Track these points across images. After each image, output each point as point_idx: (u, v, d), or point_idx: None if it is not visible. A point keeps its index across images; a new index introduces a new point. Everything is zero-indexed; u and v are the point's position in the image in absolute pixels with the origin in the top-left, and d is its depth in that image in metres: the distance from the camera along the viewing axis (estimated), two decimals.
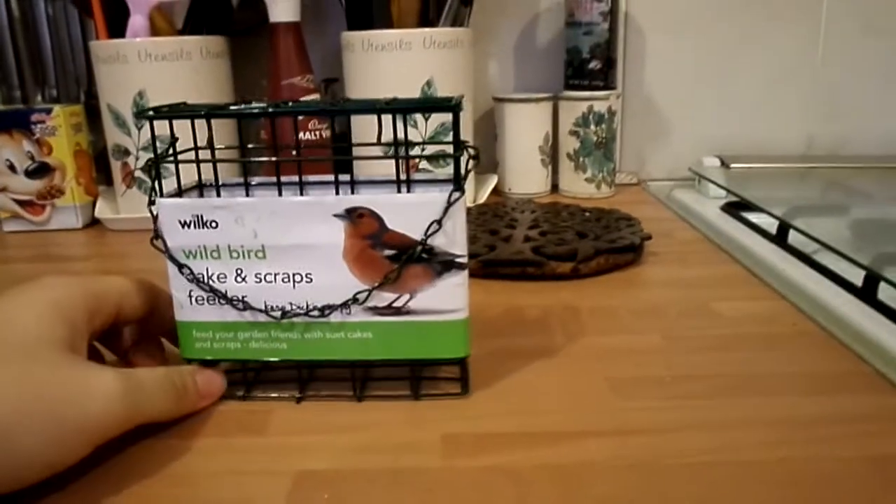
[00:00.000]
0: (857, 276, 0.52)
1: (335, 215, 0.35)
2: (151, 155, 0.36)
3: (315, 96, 0.75)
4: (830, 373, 0.41)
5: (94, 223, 0.80)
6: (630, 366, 0.42)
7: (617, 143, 0.88)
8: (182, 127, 0.36)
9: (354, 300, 0.35)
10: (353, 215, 0.35)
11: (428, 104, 0.42)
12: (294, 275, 0.36)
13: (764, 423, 0.35)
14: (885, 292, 0.49)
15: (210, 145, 0.36)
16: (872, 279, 0.50)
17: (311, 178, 0.37)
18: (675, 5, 0.89)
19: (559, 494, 0.30)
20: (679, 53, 0.90)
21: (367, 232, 0.35)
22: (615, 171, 0.86)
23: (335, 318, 0.36)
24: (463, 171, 0.35)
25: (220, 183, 0.39)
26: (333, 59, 0.84)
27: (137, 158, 0.75)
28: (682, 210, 0.80)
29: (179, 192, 0.38)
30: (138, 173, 0.75)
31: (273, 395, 0.39)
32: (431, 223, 0.34)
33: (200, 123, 0.36)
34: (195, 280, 0.37)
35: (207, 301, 0.37)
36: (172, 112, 0.36)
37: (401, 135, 0.35)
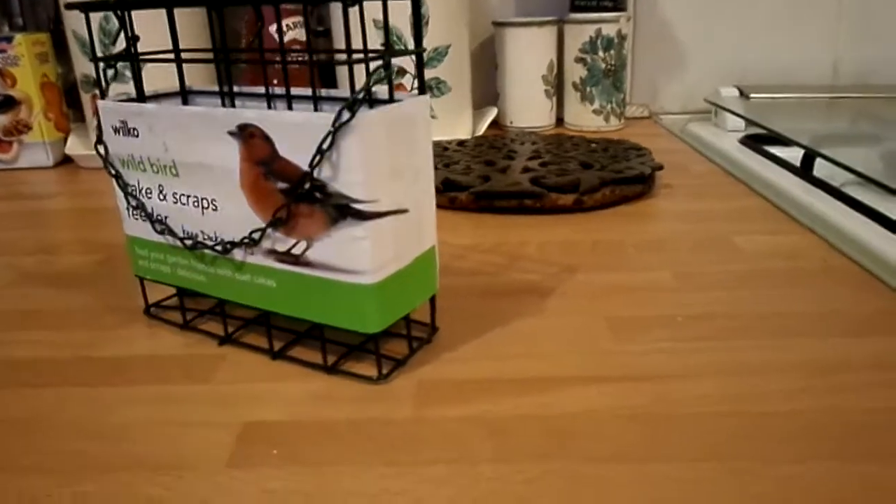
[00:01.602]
0: (889, 209, 0.47)
1: (228, 132, 0.29)
2: (123, 84, 0.31)
3: (298, 18, 0.69)
4: (862, 312, 0.35)
5: (66, 161, 0.75)
6: (634, 305, 0.37)
7: (627, 72, 0.81)
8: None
9: (251, 239, 0.29)
10: (245, 134, 0.28)
11: None
12: (202, 199, 0.31)
13: (786, 369, 0.30)
14: None
15: (131, 45, 0.31)
16: None
17: (251, 89, 0.32)
18: None
19: (545, 449, 0.25)
20: None
21: (259, 156, 0.28)
22: (625, 103, 0.80)
23: (238, 255, 0.31)
24: (370, 80, 0.26)
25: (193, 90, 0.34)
26: None
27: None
28: (698, 143, 0.74)
29: (140, 97, 0.34)
30: None
31: (205, 329, 0.35)
32: (315, 152, 0.26)
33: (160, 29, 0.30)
34: (126, 190, 0.33)
35: (141, 217, 0.33)
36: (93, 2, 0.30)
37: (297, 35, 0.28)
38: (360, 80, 0.26)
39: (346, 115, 0.25)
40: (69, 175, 0.71)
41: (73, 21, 0.68)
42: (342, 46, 0.67)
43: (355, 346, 0.32)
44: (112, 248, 0.48)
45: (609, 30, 0.74)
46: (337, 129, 0.25)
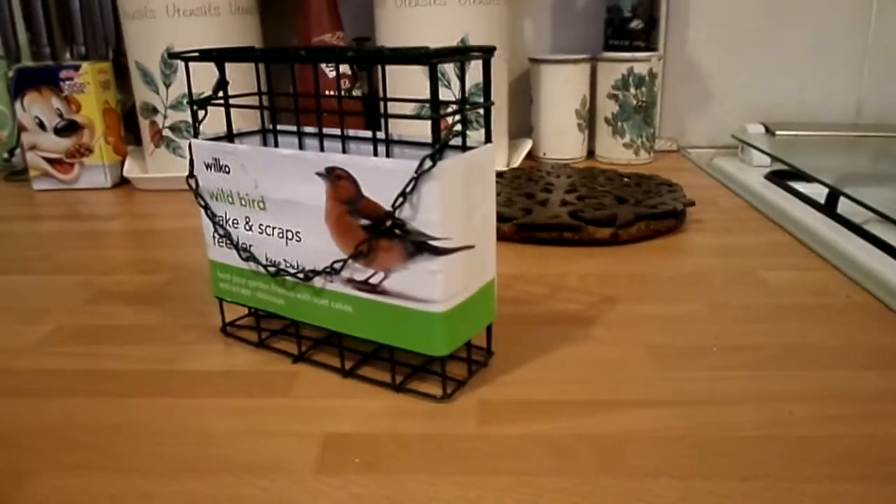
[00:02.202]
0: None
1: (316, 174, 0.32)
2: (180, 113, 0.35)
3: None
4: (886, 346, 0.38)
5: (122, 182, 0.79)
6: (673, 335, 0.40)
7: (657, 108, 0.85)
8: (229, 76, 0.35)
9: (332, 269, 0.33)
10: (332, 176, 0.32)
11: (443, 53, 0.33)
12: (287, 231, 0.34)
13: (817, 398, 0.33)
14: None
15: (223, 91, 0.35)
16: None
17: (330, 131, 0.36)
18: None
19: (599, 464, 0.28)
20: (724, 14, 0.86)
21: (344, 196, 0.31)
22: (654, 137, 0.83)
23: (318, 283, 0.34)
24: (451, 134, 0.29)
25: (270, 129, 0.38)
26: (364, 17, 0.82)
27: (166, 117, 0.73)
28: (725, 178, 0.77)
29: (230, 136, 0.38)
30: (166, 132, 0.74)
31: (278, 347, 0.38)
32: (399, 194, 0.30)
33: (233, 72, 0.34)
34: (214, 220, 0.36)
35: (225, 244, 0.37)
36: (187, 54, 0.34)
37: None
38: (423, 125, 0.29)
39: (427, 164, 0.28)
40: (126, 196, 0.75)
41: (137, 52, 0.73)
42: (392, 92, 0.71)
43: (419, 367, 0.35)
44: (177, 269, 0.52)
45: (641, 68, 0.78)
46: (420, 175, 0.29)
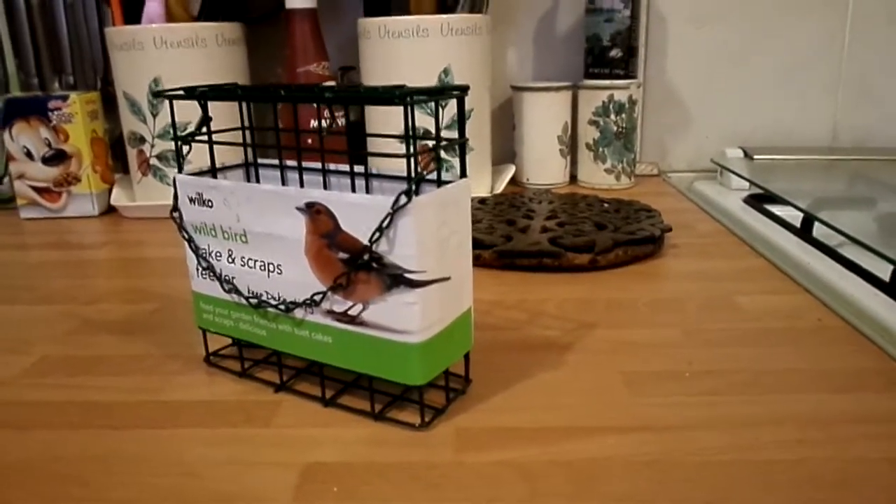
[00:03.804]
0: (883, 271, 0.51)
1: (296, 208, 0.33)
2: (167, 142, 0.36)
3: (332, 83, 0.75)
4: (854, 370, 0.39)
5: (110, 211, 0.80)
6: (647, 360, 0.41)
7: (637, 134, 0.86)
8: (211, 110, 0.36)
9: (312, 301, 0.34)
10: (312, 211, 0.33)
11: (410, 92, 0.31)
12: (268, 264, 0.35)
13: (785, 422, 0.34)
14: None
15: (206, 126, 0.36)
16: None
17: (308, 164, 0.37)
18: None
19: (572, 491, 0.29)
20: (701, 42, 0.88)
21: (323, 230, 0.32)
22: (635, 162, 0.85)
23: (298, 314, 0.35)
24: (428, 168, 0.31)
25: (250, 163, 0.39)
26: (350, 47, 0.83)
27: (153, 146, 0.74)
28: (704, 202, 0.78)
29: (213, 171, 0.39)
30: (153, 161, 0.75)
31: (260, 377, 0.39)
32: (375, 230, 0.31)
33: (217, 105, 0.35)
34: (197, 253, 0.37)
35: (209, 276, 0.38)
36: (172, 92, 0.35)
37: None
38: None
39: (403, 200, 0.29)
40: (113, 224, 0.76)
41: (124, 83, 0.74)
42: (374, 125, 0.73)
43: (398, 396, 0.36)
44: (162, 299, 0.53)
45: (621, 95, 0.79)
46: (395, 210, 0.30)
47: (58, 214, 0.78)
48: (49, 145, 0.75)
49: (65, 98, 0.74)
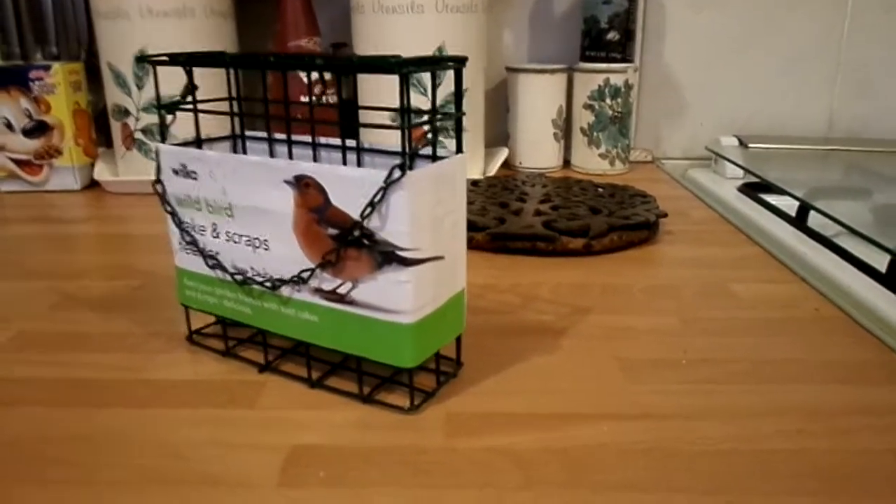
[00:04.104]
0: (879, 262, 0.50)
1: (285, 181, 0.32)
2: (153, 115, 0.35)
3: None
4: (852, 361, 0.38)
5: (92, 185, 0.78)
6: (643, 347, 0.40)
7: (632, 119, 0.85)
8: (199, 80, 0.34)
9: (300, 278, 0.32)
10: (301, 184, 0.31)
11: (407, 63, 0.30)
12: (254, 239, 0.34)
13: (783, 412, 0.33)
14: None
15: (191, 95, 0.34)
16: None
17: (299, 138, 0.35)
18: None
19: (567, 479, 0.28)
20: (699, 28, 0.87)
21: (312, 204, 0.31)
22: (630, 148, 0.84)
23: (285, 292, 0.34)
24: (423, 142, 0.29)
25: (237, 135, 0.37)
26: (342, 22, 0.81)
27: (138, 119, 0.72)
28: (698, 189, 0.78)
29: (198, 142, 0.37)
30: (138, 135, 0.73)
31: (245, 356, 0.38)
32: (367, 204, 0.29)
33: (203, 75, 0.34)
34: (180, 226, 0.36)
35: (192, 251, 0.36)
36: (156, 58, 0.34)
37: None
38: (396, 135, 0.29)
39: (397, 174, 0.28)
40: (96, 199, 0.74)
41: (109, 54, 0.71)
42: (367, 101, 0.71)
43: (388, 379, 0.35)
44: (146, 275, 0.51)
45: (617, 79, 0.78)
46: (388, 185, 0.28)
47: (38, 188, 0.76)
48: (30, 116, 0.73)
49: (47, 68, 0.72)
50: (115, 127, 0.75)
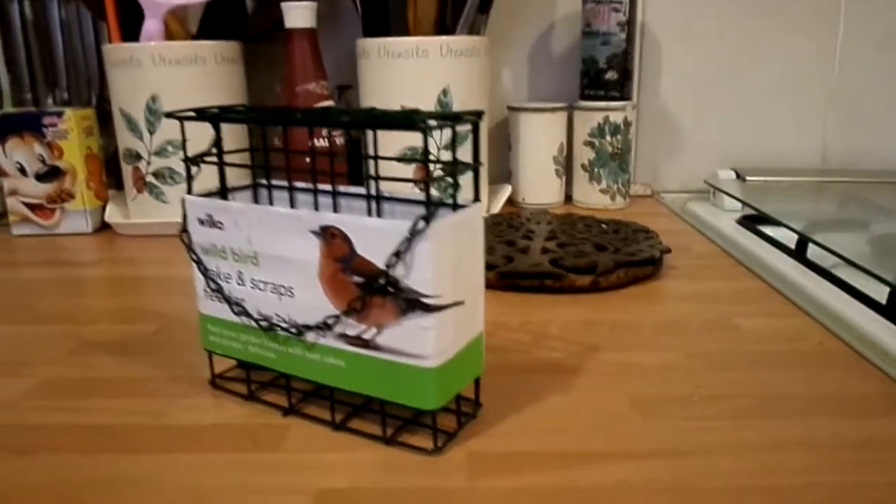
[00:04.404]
0: (879, 293, 0.51)
1: (311, 231, 0.33)
2: (164, 159, 0.36)
3: (329, 103, 0.75)
4: (858, 394, 0.40)
5: (104, 228, 0.79)
6: (654, 384, 0.41)
7: (632, 155, 0.87)
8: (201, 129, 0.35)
9: (325, 324, 0.34)
10: (327, 234, 0.32)
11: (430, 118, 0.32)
12: (280, 286, 0.35)
13: (792, 447, 0.34)
14: None
15: (218, 148, 0.36)
16: None
17: (323, 187, 0.37)
18: (691, 17, 0.88)
19: None
20: (695, 65, 0.89)
21: (338, 254, 0.32)
22: (630, 183, 0.85)
23: (310, 337, 0.35)
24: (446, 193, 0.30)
25: (257, 184, 0.39)
26: (348, 65, 0.84)
27: (149, 163, 0.74)
28: (698, 223, 0.79)
29: (223, 192, 0.39)
30: (150, 178, 0.75)
31: (267, 399, 0.39)
32: (392, 254, 0.31)
33: (221, 127, 0.35)
34: (206, 274, 0.37)
35: (217, 298, 0.37)
36: (183, 113, 0.35)
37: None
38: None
39: (421, 225, 0.29)
40: (107, 242, 0.75)
41: (121, 100, 0.73)
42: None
43: (410, 420, 0.36)
44: (160, 318, 0.52)
45: (616, 117, 0.80)
46: (413, 235, 0.30)
47: (51, 231, 0.77)
48: (43, 161, 0.75)
49: (59, 114, 0.74)
50: (127, 170, 0.76)
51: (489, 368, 0.42)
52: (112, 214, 0.78)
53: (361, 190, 0.37)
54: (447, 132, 0.72)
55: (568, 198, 0.87)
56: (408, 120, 0.29)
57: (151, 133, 0.73)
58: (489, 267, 0.56)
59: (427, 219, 0.29)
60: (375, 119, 0.30)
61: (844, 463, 0.33)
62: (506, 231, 0.66)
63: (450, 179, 0.31)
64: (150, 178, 0.75)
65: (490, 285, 0.56)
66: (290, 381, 0.37)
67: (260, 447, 0.35)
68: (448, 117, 0.31)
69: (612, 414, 0.37)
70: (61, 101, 0.87)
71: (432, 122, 0.29)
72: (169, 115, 0.36)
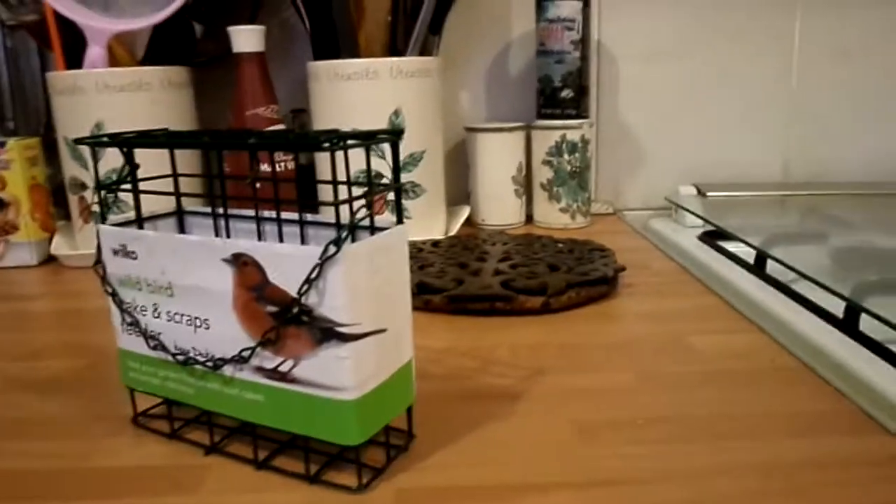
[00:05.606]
0: (837, 307, 0.50)
1: (223, 260, 0.31)
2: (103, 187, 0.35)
3: (280, 127, 0.73)
4: (812, 412, 0.38)
5: (50, 260, 0.76)
6: (600, 408, 0.39)
7: (591, 173, 0.86)
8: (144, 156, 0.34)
9: (241, 357, 0.32)
10: (239, 262, 0.31)
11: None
12: (195, 318, 0.33)
13: (743, 470, 0.33)
14: (866, 323, 0.47)
15: (132, 175, 0.34)
16: (853, 310, 0.48)
17: (243, 212, 0.35)
18: (646, 34, 0.88)
19: None
20: (652, 81, 0.89)
21: (251, 283, 0.31)
22: (590, 201, 0.84)
23: (227, 371, 0.33)
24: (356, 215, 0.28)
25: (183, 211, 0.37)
26: (302, 89, 0.82)
27: (94, 193, 0.72)
28: (659, 240, 0.78)
29: (139, 221, 0.37)
30: (96, 208, 0.72)
31: (191, 437, 0.37)
32: (304, 281, 0.29)
33: (158, 152, 0.34)
34: (121, 307, 0.35)
35: (134, 332, 0.36)
36: (94, 140, 0.34)
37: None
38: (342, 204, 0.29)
39: (332, 250, 0.28)
40: (53, 274, 0.72)
41: (65, 128, 0.71)
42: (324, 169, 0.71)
43: (336, 456, 0.34)
44: (96, 354, 0.50)
45: (573, 135, 0.80)
46: (324, 261, 0.28)
47: None
48: None
49: (2, 144, 0.71)
50: (73, 200, 0.74)
51: (431, 397, 0.41)
52: (59, 246, 0.75)
53: (294, 216, 0.36)
54: (405, 154, 0.70)
55: (529, 218, 0.86)
56: (314, 141, 0.27)
57: (96, 162, 0.70)
58: (438, 290, 0.54)
59: (338, 243, 0.28)
60: (285, 140, 0.29)
61: (802, 486, 0.31)
62: (460, 253, 0.64)
63: (362, 202, 0.29)
64: (96, 209, 0.72)
65: (439, 309, 0.54)
66: (212, 417, 0.35)
67: (180, 489, 0.33)
68: (363, 136, 0.30)
69: (553, 441, 0.36)
70: (8, 131, 0.85)
71: (338, 142, 0.27)
72: (78, 140, 0.34)
